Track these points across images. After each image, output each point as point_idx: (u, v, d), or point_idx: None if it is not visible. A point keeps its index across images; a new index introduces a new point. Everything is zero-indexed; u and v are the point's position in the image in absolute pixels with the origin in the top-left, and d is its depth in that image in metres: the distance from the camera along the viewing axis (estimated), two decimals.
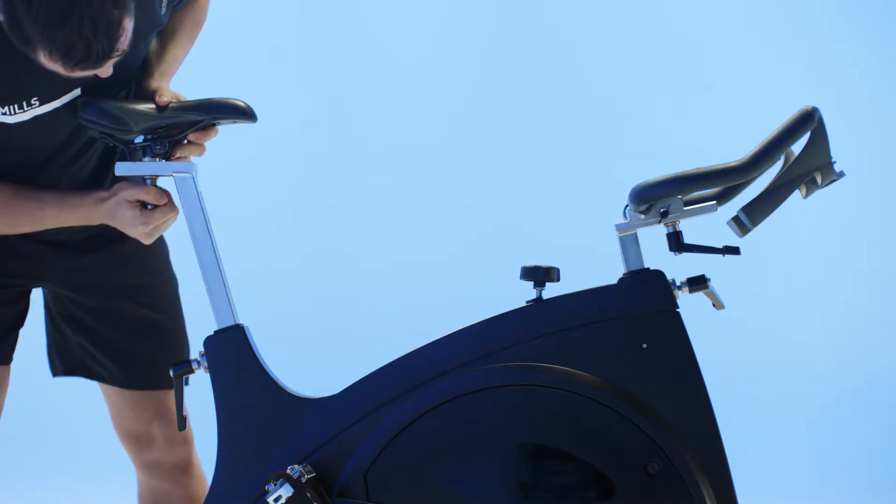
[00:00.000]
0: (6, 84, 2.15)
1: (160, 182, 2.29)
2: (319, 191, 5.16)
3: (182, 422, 2.27)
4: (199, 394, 2.46)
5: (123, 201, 2.27)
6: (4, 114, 2.17)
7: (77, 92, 2.23)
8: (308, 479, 2.14)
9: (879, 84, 5.14)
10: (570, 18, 5.24)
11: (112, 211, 2.28)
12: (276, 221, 5.12)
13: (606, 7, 5.23)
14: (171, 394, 2.54)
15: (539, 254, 4.17)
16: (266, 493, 2.13)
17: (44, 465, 4.46)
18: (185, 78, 2.65)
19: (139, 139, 2.26)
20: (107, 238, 2.47)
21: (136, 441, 2.62)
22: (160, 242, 2.61)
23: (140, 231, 2.28)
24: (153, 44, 2.43)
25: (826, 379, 4.92)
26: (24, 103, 2.18)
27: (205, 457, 2.64)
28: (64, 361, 2.61)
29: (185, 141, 2.30)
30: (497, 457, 2.13)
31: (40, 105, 2.20)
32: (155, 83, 2.33)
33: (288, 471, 2.15)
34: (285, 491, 2.12)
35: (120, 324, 2.54)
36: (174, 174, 2.25)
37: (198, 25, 2.55)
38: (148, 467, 2.64)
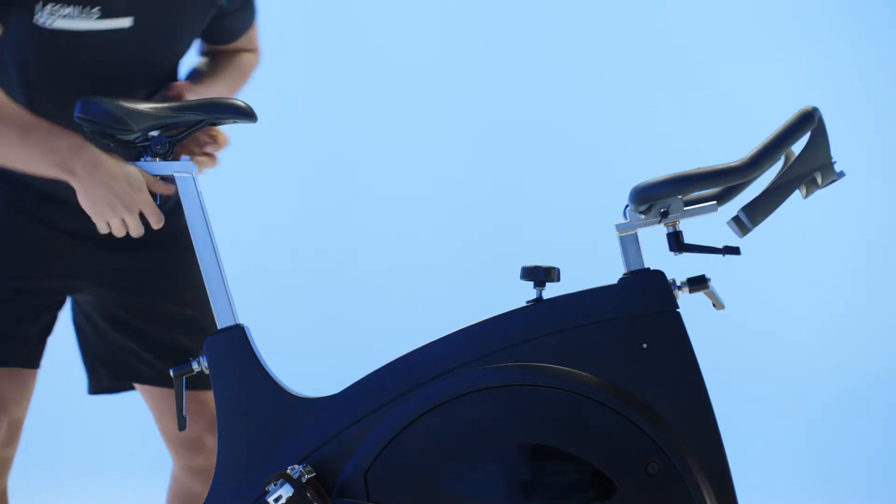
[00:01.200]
0: None
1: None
2: (319, 191, 5.16)
3: (182, 422, 2.27)
4: None
5: (140, 174, 2.26)
6: (66, 16, 2.19)
7: (128, 22, 2.25)
8: (308, 479, 2.14)
9: (879, 84, 5.14)
10: (571, 19, 5.23)
11: (119, 167, 2.24)
12: (276, 221, 5.12)
13: (606, 7, 5.23)
14: None
15: (539, 254, 4.17)
16: (266, 493, 2.13)
17: (43, 465, 4.46)
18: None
19: (139, 139, 2.25)
20: (150, 235, 2.46)
21: (184, 445, 2.61)
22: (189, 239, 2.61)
23: (129, 201, 2.25)
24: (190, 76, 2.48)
25: (826, 379, 4.92)
26: (89, 6, 2.21)
27: None
28: (110, 368, 2.59)
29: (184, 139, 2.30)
30: (497, 457, 2.13)
31: (98, 18, 2.20)
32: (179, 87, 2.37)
33: (288, 471, 2.15)
34: (285, 491, 2.12)
35: (165, 323, 2.54)
36: (174, 174, 2.24)
37: (242, 76, 2.60)
38: (192, 471, 2.63)
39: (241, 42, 2.61)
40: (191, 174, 2.24)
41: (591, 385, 2.12)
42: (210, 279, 2.23)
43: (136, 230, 2.28)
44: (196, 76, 2.52)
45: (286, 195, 5.14)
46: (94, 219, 2.27)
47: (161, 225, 2.30)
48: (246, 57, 2.62)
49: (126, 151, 2.34)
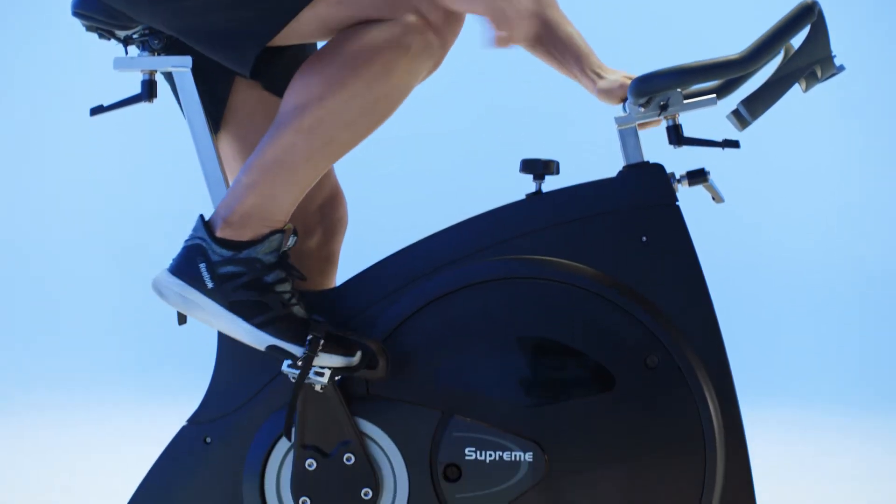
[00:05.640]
0: None
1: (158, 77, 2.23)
2: None
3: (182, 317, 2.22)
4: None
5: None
6: None
7: None
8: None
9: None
10: (568, 14, 5.21)
11: None
12: None
13: (605, 3, 5.21)
14: None
15: (539, 148, 4.18)
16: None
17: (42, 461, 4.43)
18: None
19: (138, 33, 2.21)
20: None
21: None
22: None
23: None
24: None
25: (826, 270, 4.98)
26: None
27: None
28: None
29: None
30: (497, 350, 2.13)
31: None
32: None
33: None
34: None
35: None
36: (172, 68, 2.21)
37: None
38: None
39: None
40: (188, 69, 2.20)
41: (591, 278, 2.13)
42: (206, 164, 2.20)
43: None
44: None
45: None
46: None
47: None
48: None
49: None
